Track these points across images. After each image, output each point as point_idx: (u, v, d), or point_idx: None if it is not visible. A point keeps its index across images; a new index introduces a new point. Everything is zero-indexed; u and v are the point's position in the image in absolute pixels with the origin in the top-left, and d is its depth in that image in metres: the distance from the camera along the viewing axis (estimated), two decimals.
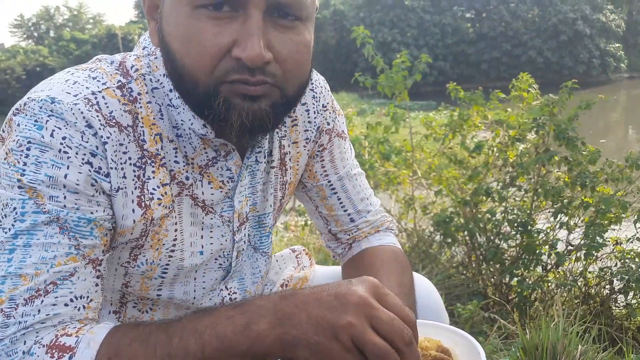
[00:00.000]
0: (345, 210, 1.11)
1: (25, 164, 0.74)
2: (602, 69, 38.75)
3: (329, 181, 1.10)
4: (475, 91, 3.08)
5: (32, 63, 41.55)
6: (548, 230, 2.72)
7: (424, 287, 1.11)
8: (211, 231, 0.92)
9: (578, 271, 2.73)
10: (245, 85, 0.76)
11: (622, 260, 2.58)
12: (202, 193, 0.89)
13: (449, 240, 2.88)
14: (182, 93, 0.81)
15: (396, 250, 1.10)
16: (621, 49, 39.92)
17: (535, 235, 2.66)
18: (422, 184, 3.38)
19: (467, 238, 2.94)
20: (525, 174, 2.76)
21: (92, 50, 41.27)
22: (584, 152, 2.64)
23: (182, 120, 0.85)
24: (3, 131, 0.80)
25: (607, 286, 2.72)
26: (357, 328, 0.66)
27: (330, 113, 1.08)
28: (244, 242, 0.97)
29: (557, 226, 2.71)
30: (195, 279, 0.94)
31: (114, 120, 0.80)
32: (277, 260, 1.24)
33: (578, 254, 2.67)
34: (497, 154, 2.93)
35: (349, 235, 1.14)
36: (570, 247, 2.70)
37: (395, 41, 36.87)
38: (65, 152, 0.75)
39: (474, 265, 2.97)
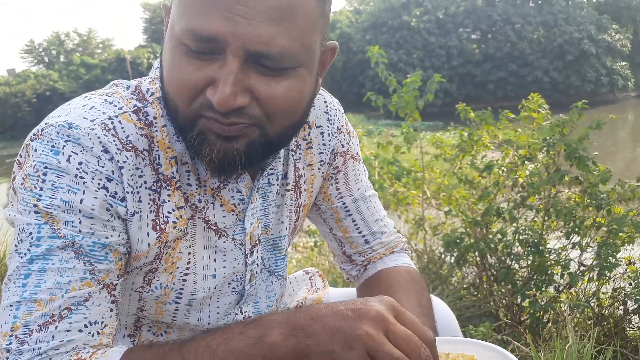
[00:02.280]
0: (359, 232, 1.11)
1: (41, 189, 0.75)
2: (610, 88, 38.76)
3: (344, 203, 1.10)
4: (484, 111, 3.09)
5: (43, 87, 41.99)
6: (560, 251, 2.70)
7: (440, 308, 1.10)
8: (224, 254, 0.92)
9: (591, 292, 2.70)
10: (218, 124, 0.76)
11: (636, 281, 2.56)
12: (214, 216, 0.89)
13: (460, 261, 2.86)
14: (170, 117, 0.82)
15: (412, 271, 1.10)
16: (627, 68, 39.95)
17: (547, 255, 2.64)
18: (431, 204, 3.37)
19: (478, 259, 2.92)
20: (537, 193, 2.74)
21: (102, 74, 41.68)
22: (595, 172, 2.63)
23: None
24: (20, 156, 0.81)
25: (621, 307, 2.69)
26: (373, 339, 0.65)
27: (344, 135, 1.08)
28: (257, 265, 0.97)
29: (569, 246, 2.69)
30: (209, 304, 0.94)
31: (130, 145, 0.80)
32: (290, 282, 1.24)
33: (591, 275, 2.65)
34: (507, 174, 2.92)
35: (364, 256, 1.13)
36: (582, 268, 2.68)
37: (401, 61, 37.10)
38: (82, 177, 0.76)
39: (485, 286, 2.94)
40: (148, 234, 0.82)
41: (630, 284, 2.63)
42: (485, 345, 0.83)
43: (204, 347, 0.71)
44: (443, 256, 3.10)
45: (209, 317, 0.94)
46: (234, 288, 0.95)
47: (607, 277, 2.61)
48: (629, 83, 40.03)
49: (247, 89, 0.74)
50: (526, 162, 2.83)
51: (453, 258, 2.94)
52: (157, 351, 0.73)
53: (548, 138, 2.70)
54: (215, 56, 0.74)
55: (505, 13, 40.60)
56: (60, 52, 54.95)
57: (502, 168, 2.94)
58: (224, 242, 0.91)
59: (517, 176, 2.86)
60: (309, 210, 1.10)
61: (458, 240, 2.79)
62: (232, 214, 0.91)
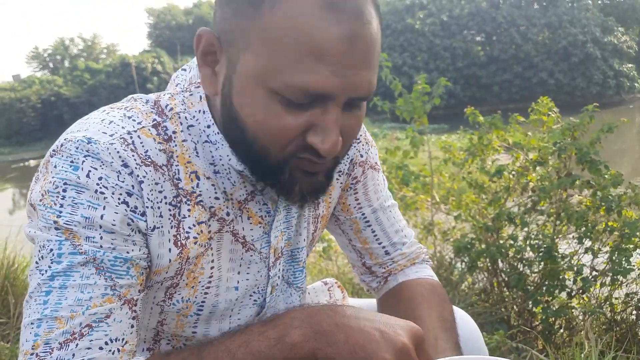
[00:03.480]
0: (379, 243, 1.09)
1: (61, 205, 0.73)
2: (617, 90, 38.68)
3: (363, 214, 1.07)
4: (494, 115, 3.07)
5: (47, 93, 42.20)
6: (571, 255, 2.67)
7: (464, 321, 1.08)
8: (249, 267, 0.90)
9: (603, 297, 2.67)
10: (311, 163, 0.77)
11: None
12: (243, 229, 0.88)
13: (470, 266, 2.84)
14: (241, 154, 0.80)
15: (434, 284, 1.07)
16: (634, 70, 39.87)
17: (559, 260, 2.62)
18: (440, 209, 3.35)
19: (489, 264, 2.89)
20: (548, 198, 2.72)
21: (106, 79, 41.84)
22: (606, 176, 2.60)
23: (219, 155, 0.83)
24: (39, 172, 0.79)
25: (634, 312, 2.66)
26: None
27: (363, 145, 1.06)
28: (278, 277, 0.95)
29: (582, 251, 2.66)
30: (230, 316, 0.92)
31: (149, 160, 0.78)
32: (309, 294, 1.21)
33: (603, 280, 2.62)
34: (517, 178, 2.89)
35: (385, 268, 1.11)
36: (595, 273, 2.65)
37: (405, 65, 37.12)
38: (102, 193, 0.74)
39: (496, 291, 2.92)
40: (170, 249, 0.80)
41: None
42: None
43: (224, 351, 0.71)
44: (453, 262, 3.08)
45: (230, 328, 0.92)
46: (255, 300, 0.94)
47: (619, 282, 2.58)
48: (636, 84, 39.91)
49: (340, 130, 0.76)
50: (537, 166, 2.80)
51: (464, 264, 2.92)
52: (177, 357, 0.73)
53: (559, 142, 2.68)
54: (315, 103, 0.73)
55: (510, 15, 40.60)
56: (65, 57, 55.24)
57: (512, 172, 2.92)
58: (251, 255, 0.89)
59: (527, 180, 2.84)
60: (328, 221, 1.08)
61: (469, 246, 2.76)
62: (260, 227, 0.89)
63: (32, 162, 29.70)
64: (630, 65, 39.74)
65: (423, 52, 39.12)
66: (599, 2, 43.46)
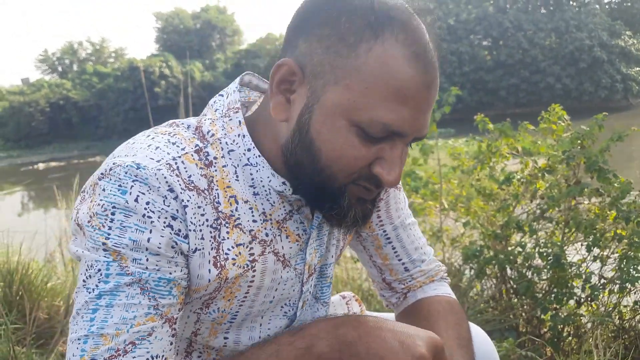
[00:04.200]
0: (399, 260, 1.13)
1: (110, 228, 0.77)
2: (624, 94, 38.47)
3: (384, 231, 1.11)
4: (504, 122, 3.08)
5: (56, 96, 42.42)
6: (580, 263, 2.68)
7: (480, 339, 1.10)
8: (285, 284, 0.94)
9: (612, 304, 2.68)
10: (366, 191, 0.85)
11: None
12: (282, 247, 0.91)
13: (479, 273, 2.86)
14: (304, 177, 0.86)
15: (452, 301, 1.11)
16: None
17: (568, 268, 2.63)
18: (449, 215, 3.37)
19: (497, 271, 2.91)
20: (556, 206, 2.73)
21: (114, 83, 42.04)
22: (615, 184, 2.62)
23: (260, 177, 0.88)
24: (84, 192, 0.83)
25: None
26: None
27: None
28: (309, 292, 0.99)
29: (590, 259, 2.68)
30: (260, 324, 0.96)
31: (192, 185, 0.82)
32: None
33: (612, 287, 2.63)
34: (526, 186, 2.91)
35: (404, 284, 1.15)
36: (603, 280, 2.66)
37: None
38: (149, 217, 0.78)
39: (504, 299, 2.93)
40: (209, 270, 0.84)
41: None
42: None
43: None
44: (462, 269, 3.10)
45: (260, 337, 0.96)
46: (285, 312, 0.97)
47: (628, 290, 2.59)
48: None
49: None
50: (546, 174, 2.82)
51: (472, 271, 2.93)
52: None
53: (568, 150, 2.69)
54: (386, 138, 0.81)
55: (517, 20, 40.53)
56: (74, 61, 55.51)
57: (522, 180, 2.94)
58: (288, 271, 0.94)
59: (536, 188, 2.86)
60: (352, 237, 1.12)
61: (477, 253, 2.78)
62: (297, 244, 0.93)
63: (41, 166, 29.84)
64: (638, 68, 39.50)
65: None
66: (607, 6, 43.30)
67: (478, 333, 1.12)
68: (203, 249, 0.84)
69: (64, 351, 2.49)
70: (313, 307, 1.03)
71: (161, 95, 39.03)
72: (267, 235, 0.89)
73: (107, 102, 41.13)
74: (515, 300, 2.85)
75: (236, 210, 0.87)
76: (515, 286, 2.84)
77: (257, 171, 0.88)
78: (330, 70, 0.79)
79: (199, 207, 0.83)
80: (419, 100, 0.79)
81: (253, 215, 0.88)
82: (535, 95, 36.32)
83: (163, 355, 0.79)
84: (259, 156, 0.88)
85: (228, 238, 0.86)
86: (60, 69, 54.51)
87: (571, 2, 42.75)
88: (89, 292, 0.77)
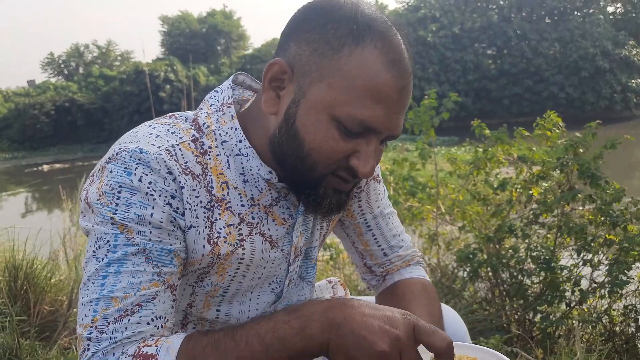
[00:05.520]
0: (379, 246, 1.24)
1: (117, 204, 0.88)
2: (625, 105, 38.43)
3: (365, 219, 1.23)
4: (500, 129, 3.15)
5: (62, 99, 42.58)
6: (571, 267, 2.74)
7: (451, 317, 1.21)
8: (273, 262, 1.04)
9: (602, 308, 2.74)
10: (343, 183, 0.96)
11: None
12: (269, 229, 1.02)
13: (473, 275, 2.92)
14: (287, 166, 0.95)
15: (425, 283, 1.22)
16: None
17: (559, 272, 2.68)
18: (445, 219, 3.43)
19: (490, 274, 2.97)
20: (549, 211, 2.79)
21: (120, 86, 42.16)
22: (608, 191, 2.67)
23: (250, 166, 0.98)
24: (93, 175, 0.94)
25: (633, 324, 2.72)
26: (387, 357, 0.78)
27: None
28: (295, 272, 1.09)
29: (581, 263, 2.73)
30: (250, 299, 1.06)
31: (188, 170, 0.93)
32: (315, 290, 1.34)
33: (602, 292, 2.68)
34: (520, 191, 2.97)
35: (383, 268, 1.26)
36: (594, 285, 2.71)
37: (416, 77, 36.96)
38: (151, 195, 0.89)
39: (497, 301, 2.99)
40: (204, 246, 0.95)
41: None
42: (486, 350, 0.94)
43: (254, 335, 0.84)
44: (456, 271, 3.15)
45: (249, 311, 1.06)
46: (273, 289, 1.08)
47: (619, 295, 2.64)
48: None
49: None
50: (540, 180, 2.88)
51: (466, 273, 2.99)
52: (213, 337, 0.85)
53: (562, 157, 2.75)
54: (362, 134, 0.91)
55: (521, 29, 40.59)
56: (79, 64, 55.75)
57: (516, 186, 2.99)
58: (275, 252, 1.04)
59: (530, 192, 2.91)
60: (335, 224, 1.23)
61: (471, 256, 2.84)
62: (283, 227, 1.04)
63: (46, 167, 29.93)
64: None
65: (434, 65, 39.17)
66: (611, 17, 43.31)
67: (450, 313, 1.22)
68: (198, 226, 0.94)
69: (67, 344, 2.56)
70: (298, 285, 1.14)
71: (166, 99, 39.11)
72: (253, 218, 1.00)
73: (113, 105, 41.29)
74: (507, 302, 2.90)
75: (227, 194, 0.97)
76: (507, 288, 2.89)
77: (247, 160, 0.98)
78: (316, 69, 0.90)
79: (194, 189, 0.93)
80: (393, 101, 0.90)
81: (242, 201, 0.99)
82: (539, 105, 36.30)
83: (165, 317, 0.89)
84: (249, 147, 0.98)
85: (220, 219, 0.96)
86: (66, 71, 54.78)
87: (576, 12, 42.82)
88: (99, 261, 0.87)
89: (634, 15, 43.60)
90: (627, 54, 38.88)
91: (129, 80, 42.07)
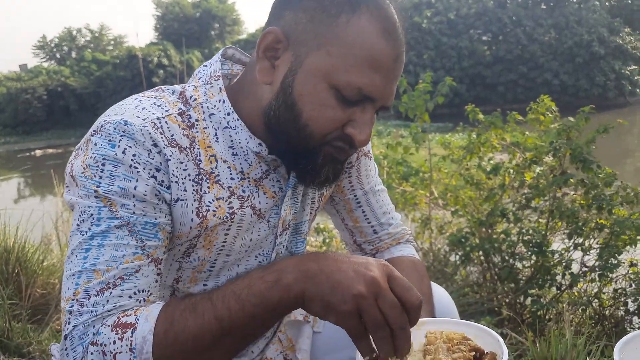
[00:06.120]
0: (369, 222, 1.24)
1: (100, 177, 0.87)
2: (618, 92, 38.49)
3: (355, 195, 1.22)
4: (494, 113, 3.15)
5: (54, 83, 42.25)
6: (563, 252, 2.76)
7: (440, 295, 1.20)
8: (259, 234, 1.04)
9: (593, 292, 2.76)
10: (343, 152, 0.96)
11: (637, 282, 2.61)
12: (259, 202, 1.01)
13: (464, 259, 2.93)
14: (284, 136, 0.94)
15: (415, 261, 1.22)
16: (637, 72, 39.59)
17: (550, 256, 2.70)
18: (438, 204, 3.44)
19: (482, 258, 2.98)
20: (541, 195, 2.80)
21: (113, 71, 41.87)
22: (600, 175, 2.69)
23: (239, 139, 0.97)
24: (79, 148, 0.93)
25: (622, 307, 2.75)
26: (364, 299, 0.78)
27: None
28: (283, 246, 1.09)
29: (572, 247, 2.75)
30: (237, 273, 1.05)
31: (175, 142, 0.92)
32: None
33: (592, 275, 2.70)
34: (513, 176, 2.98)
35: (372, 245, 1.26)
36: (584, 269, 2.74)
37: (411, 63, 37.07)
38: (135, 168, 0.88)
39: (488, 284, 3.01)
40: (192, 219, 0.94)
41: (631, 285, 2.69)
42: (473, 325, 0.94)
43: (230, 293, 0.84)
44: (448, 255, 3.17)
45: None
46: (260, 262, 1.07)
47: (609, 278, 2.67)
48: (638, 90, 39.56)
49: None
50: (533, 165, 2.89)
51: (458, 257, 3.01)
52: (190, 300, 0.85)
53: (554, 141, 2.76)
54: (358, 102, 0.91)
55: (516, 15, 40.46)
56: (72, 48, 55.27)
57: (509, 170, 3.00)
58: (261, 223, 1.03)
59: (523, 177, 2.92)
60: (327, 200, 1.22)
61: (463, 240, 2.85)
62: (273, 200, 1.03)
63: (38, 152, 29.81)
64: (634, 67, 39.43)
65: (430, 51, 39.06)
66: (607, 3, 43.21)
67: (440, 291, 1.22)
68: (186, 199, 0.93)
69: (58, 327, 2.56)
70: None
71: (159, 84, 38.78)
72: (244, 192, 0.99)
73: (106, 90, 41.00)
74: (499, 285, 2.92)
75: (216, 168, 0.96)
76: (499, 272, 2.91)
77: (235, 133, 0.97)
78: (314, 37, 0.90)
79: (181, 162, 0.92)
80: (389, 69, 0.90)
81: (231, 174, 0.98)
82: (533, 91, 36.23)
83: (148, 290, 0.88)
84: (238, 120, 0.97)
85: (209, 192, 0.95)
86: (58, 55, 54.28)
87: None
88: (82, 235, 0.87)
89: (629, 1, 43.52)
90: (621, 42, 38.87)
91: (122, 65, 41.79)
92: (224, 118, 0.97)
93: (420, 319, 0.85)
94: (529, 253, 2.75)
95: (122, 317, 0.83)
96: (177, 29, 51.15)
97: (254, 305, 0.83)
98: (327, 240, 3.67)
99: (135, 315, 0.84)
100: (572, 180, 2.72)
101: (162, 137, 0.90)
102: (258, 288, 0.83)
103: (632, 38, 40.06)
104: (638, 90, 39.33)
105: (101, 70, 43.35)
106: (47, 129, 40.71)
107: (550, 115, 3.05)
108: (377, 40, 0.88)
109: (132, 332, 0.82)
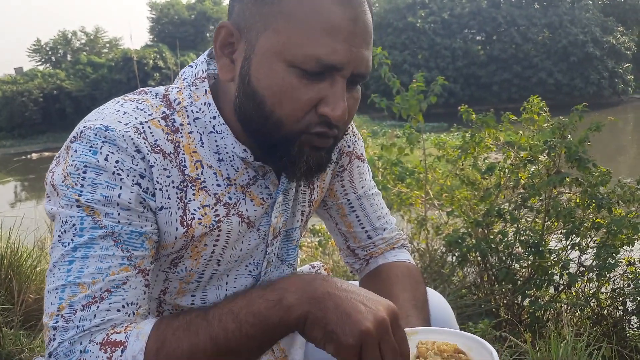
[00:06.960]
0: (362, 228, 1.19)
1: (82, 185, 0.83)
2: (612, 90, 38.60)
3: (348, 200, 1.18)
4: (487, 113, 3.14)
5: (50, 86, 42.08)
6: (560, 251, 2.74)
7: (437, 301, 1.16)
8: (249, 243, 1.00)
9: (590, 292, 2.75)
10: (320, 138, 0.88)
11: (635, 281, 2.60)
12: (247, 210, 0.97)
13: (461, 260, 2.91)
14: (254, 130, 0.89)
15: (410, 266, 1.18)
16: (629, 71, 39.71)
17: (547, 256, 2.69)
18: (434, 204, 3.42)
19: (479, 258, 2.97)
20: (537, 195, 2.79)
21: (108, 74, 41.74)
22: (595, 174, 2.68)
23: (224, 144, 0.93)
24: (59, 156, 0.89)
25: (620, 307, 2.73)
26: (370, 338, 0.75)
27: (350, 137, 1.16)
28: (274, 254, 1.05)
29: (569, 247, 2.74)
30: (227, 283, 1.01)
31: (158, 148, 0.88)
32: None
33: (590, 275, 2.69)
34: (508, 176, 2.96)
35: (366, 251, 1.22)
36: (582, 268, 2.72)
37: (406, 63, 37.09)
38: (119, 174, 0.84)
39: (486, 285, 2.99)
40: (176, 228, 0.90)
41: (629, 285, 2.67)
42: (467, 335, 0.91)
43: (227, 312, 0.80)
44: (445, 256, 3.15)
45: (226, 296, 1.01)
46: (250, 271, 1.03)
47: (606, 278, 2.65)
48: (630, 89, 39.68)
49: None
50: (527, 164, 2.87)
51: (455, 258, 2.99)
52: (185, 318, 0.81)
53: (549, 140, 2.75)
54: (324, 76, 0.84)
55: (510, 15, 40.48)
56: (67, 51, 55.09)
57: (504, 170, 2.99)
58: (251, 232, 0.99)
59: (518, 177, 2.91)
60: (319, 205, 1.18)
61: (460, 241, 2.84)
62: (261, 208, 0.99)
63: (34, 156, 29.67)
64: (627, 65, 39.55)
65: (424, 51, 39.07)
66: (600, 2, 43.31)
67: (435, 297, 1.18)
68: (170, 207, 0.89)
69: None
70: (279, 268, 1.10)
71: (155, 87, 38.79)
72: (230, 198, 0.95)
73: (101, 92, 40.80)
74: (497, 286, 2.91)
75: (202, 174, 0.92)
76: (496, 273, 2.90)
77: (221, 138, 0.93)
78: (260, 19, 0.85)
79: (165, 169, 0.88)
80: (348, 33, 0.83)
81: (217, 180, 0.94)
82: (528, 91, 36.18)
83: (137, 303, 0.84)
84: (224, 124, 0.93)
85: (194, 199, 0.91)
86: (53, 58, 54.07)
87: None
88: (65, 246, 0.82)
89: (622, 0, 43.64)
90: (615, 41, 38.96)
91: (118, 67, 41.63)
92: (210, 122, 0.93)
93: (412, 328, 0.83)
94: (527, 253, 2.73)
95: (112, 334, 0.79)
96: (172, 31, 51.07)
97: (252, 325, 0.78)
98: (322, 242, 3.64)
99: (125, 332, 0.79)
100: (567, 179, 2.70)
101: (145, 143, 0.87)
102: (257, 308, 0.79)
103: (625, 38, 40.15)
104: (630, 90, 39.45)
105: (97, 73, 43.18)
106: (43, 132, 40.52)
107: (544, 114, 3.04)
108: (326, 5, 0.83)
109: (122, 351, 0.78)
